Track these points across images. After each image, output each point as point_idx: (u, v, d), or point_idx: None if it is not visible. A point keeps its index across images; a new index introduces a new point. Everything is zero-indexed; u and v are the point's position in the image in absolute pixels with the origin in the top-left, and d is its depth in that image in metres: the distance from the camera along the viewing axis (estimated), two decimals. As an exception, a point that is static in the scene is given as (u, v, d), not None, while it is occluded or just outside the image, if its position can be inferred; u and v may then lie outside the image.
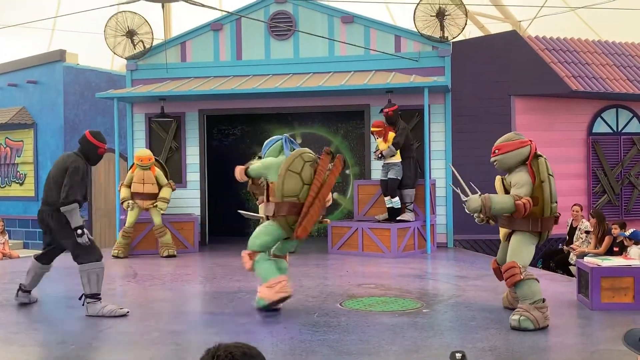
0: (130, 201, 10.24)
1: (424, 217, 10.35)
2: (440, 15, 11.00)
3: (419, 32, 11.04)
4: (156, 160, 10.73)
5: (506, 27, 17.79)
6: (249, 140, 13.40)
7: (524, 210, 5.44)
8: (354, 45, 11.18)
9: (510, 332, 5.31)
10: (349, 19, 11.49)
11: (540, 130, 11.40)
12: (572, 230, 10.29)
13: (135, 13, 11.93)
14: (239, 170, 6.49)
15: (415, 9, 11.05)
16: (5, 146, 15.50)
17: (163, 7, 10.52)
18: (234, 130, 13.44)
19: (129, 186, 10.33)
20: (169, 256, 10.13)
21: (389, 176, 10.07)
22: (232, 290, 7.36)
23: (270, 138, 6.63)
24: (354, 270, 8.81)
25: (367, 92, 10.83)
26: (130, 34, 11.89)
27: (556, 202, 5.69)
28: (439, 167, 11.06)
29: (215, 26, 11.92)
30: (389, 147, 9.93)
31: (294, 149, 6.42)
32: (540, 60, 11.21)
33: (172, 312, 6.36)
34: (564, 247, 10.30)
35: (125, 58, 12.08)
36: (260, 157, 6.83)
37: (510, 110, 11.28)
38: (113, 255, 10.06)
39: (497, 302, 6.35)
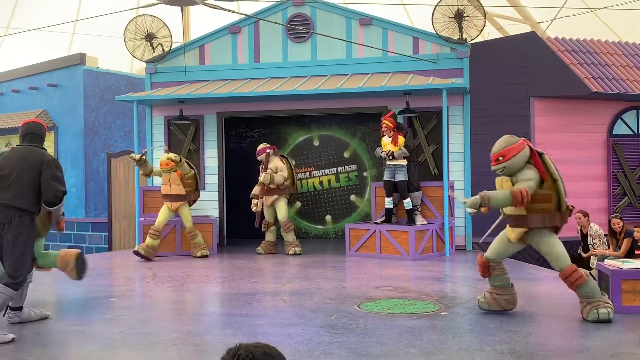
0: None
1: (442, 219, 10.31)
2: (459, 16, 10.96)
3: (437, 33, 11.00)
4: (187, 163, 10.73)
5: (525, 29, 17.68)
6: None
7: (520, 198, 5.57)
8: (372, 47, 11.18)
9: (530, 335, 5.28)
10: (366, 21, 11.49)
11: (560, 132, 11.32)
12: (584, 236, 10.12)
13: (154, 17, 12.02)
14: None
15: (434, 10, 11.01)
16: (26, 149, 15.68)
17: (182, 10, 10.58)
18: (251, 133, 13.49)
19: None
20: (202, 256, 10.32)
21: (399, 178, 10.10)
22: (250, 291, 7.38)
23: None
24: (372, 272, 8.80)
25: (384, 94, 10.82)
26: (150, 37, 11.98)
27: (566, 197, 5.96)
28: (457, 170, 11.02)
29: (233, 29, 11.98)
30: (400, 149, 9.96)
31: None
32: (560, 61, 11.13)
33: (190, 313, 6.39)
34: (582, 253, 10.16)
35: (145, 61, 12.18)
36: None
37: (529, 112, 11.21)
38: (134, 252, 10.14)
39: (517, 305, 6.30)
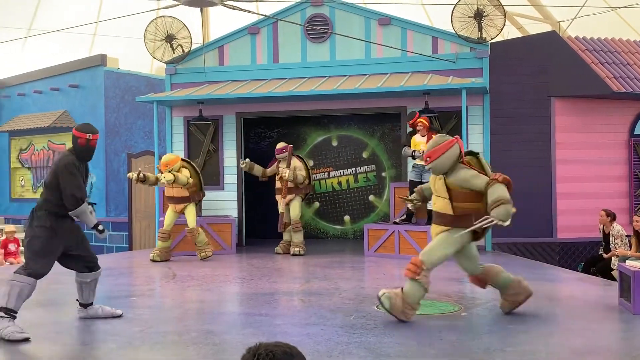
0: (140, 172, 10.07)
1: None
2: (478, 16, 10.90)
3: (456, 33, 10.96)
4: (190, 164, 10.68)
5: (545, 28, 17.54)
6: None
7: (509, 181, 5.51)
8: (391, 47, 11.16)
9: (551, 336, 5.24)
10: (385, 21, 11.47)
11: (581, 132, 11.23)
12: (606, 236, 10.01)
13: (174, 18, 12.10)
14: None
15: (453, 10, 10.97)
16: (47, 149, 15.86)
17: (202, 11, 10.64)
18: (270, 133, 13.52)
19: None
20: (205, 258, 10.10)
21: (427, 179, 10.05)
22: (268, 291, 7.39)
23: None
24: (391, 273, 8.78)
25: (403, 94, 10.80)
26: (170, 38, 12.06)
27: None
28: (476, 170, 10.95)
29: (252, 30, 12.02)
30: None
31: None
32: (581, 61, 11.03)
33: (209, 312, 6.42)
34: (603, 254, 10.07)
35: (165, 62, 12.26)
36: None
37: (550, 112, 11.13)
38: (151, 260, 10.15)
39: (537, 305, 6.26)
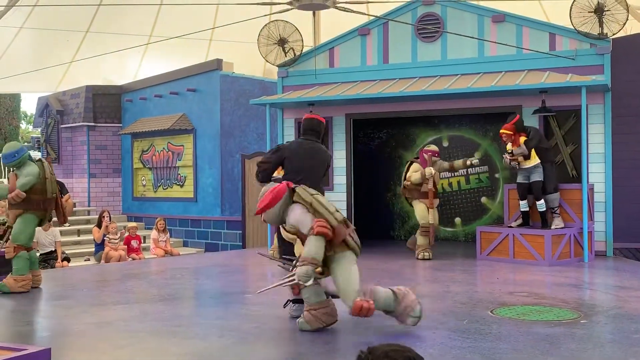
0: None
1: (581, 223, 9.83)
2: (599, 10, 10.39)
3: (575, 29, 10.50)
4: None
5: (673, 21, 16.43)
6: (395, 143, 13.41)
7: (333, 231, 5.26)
8: (505, 45, 10.85)
9: (681, 349, 4.91)
10: (499, 17, 11.17)
11: None
12: None
13: (286, 22, 12.34)
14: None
15: (572, 5, 10.52)
16: (167, 150, 16.61)
17: (314, 14, 10.79)
18: (379, 134, 13.50)
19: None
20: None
21: (534, 179, 9.77)
22: (379, 292, 7.37)
23: (17, 149, 7.54)
24: (505, 277, 8.54)
25: (519, 93, 10.46)
26: (282, 42, 12.31)
27: (338, 210, 5.49)
28: (597, 171, 10.45)
29: (362, 31, 12.05)
30: (519, 146, 9.69)
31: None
32: None
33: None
34: None
35: (277, 65, 12.52)
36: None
37: (678, 110, 10.44)
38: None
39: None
